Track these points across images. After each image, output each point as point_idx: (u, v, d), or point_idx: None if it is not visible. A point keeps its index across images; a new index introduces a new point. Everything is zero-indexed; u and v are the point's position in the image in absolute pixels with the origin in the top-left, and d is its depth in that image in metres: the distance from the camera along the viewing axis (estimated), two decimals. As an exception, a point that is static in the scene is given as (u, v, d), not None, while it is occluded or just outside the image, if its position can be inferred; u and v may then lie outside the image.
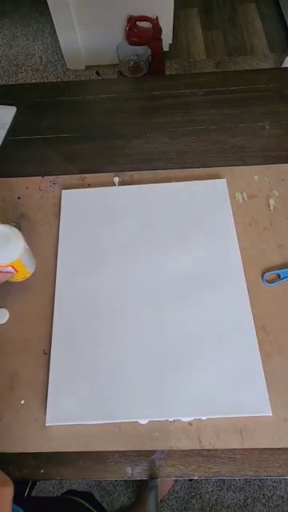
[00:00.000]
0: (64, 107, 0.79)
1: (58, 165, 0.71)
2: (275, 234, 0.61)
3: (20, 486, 0.61)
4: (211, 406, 0.49)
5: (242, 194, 0.65)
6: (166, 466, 0.48)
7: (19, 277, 0.55)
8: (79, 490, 0.72)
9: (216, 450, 0.48)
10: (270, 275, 0.58)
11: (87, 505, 0.61)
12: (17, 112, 0.78)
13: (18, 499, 0.42)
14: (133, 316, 0.55)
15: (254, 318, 0.54)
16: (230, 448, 0.48)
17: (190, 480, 1.05)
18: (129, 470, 0.48)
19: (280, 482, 1.04)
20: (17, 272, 0.53)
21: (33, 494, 0.63)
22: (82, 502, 0.62)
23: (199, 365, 0.52)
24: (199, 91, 0.79)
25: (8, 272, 0.52)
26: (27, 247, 0.53)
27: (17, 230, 0.51)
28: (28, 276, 0.56)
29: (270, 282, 0.58)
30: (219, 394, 0.50)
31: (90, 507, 0.61)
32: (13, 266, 0.51)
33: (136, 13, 1.51)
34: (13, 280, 0.56)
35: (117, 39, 1.60)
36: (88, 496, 0.65)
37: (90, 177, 0.69)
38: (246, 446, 0.48)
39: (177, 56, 1.80)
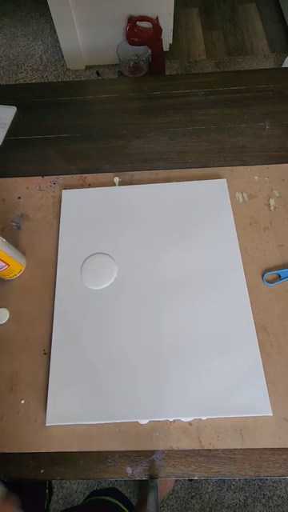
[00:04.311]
0: (64, 107, 0.79)
1: (58, 165, 0.71)
2: (275, 234, 0.61)
3: (38, 500, 0.63)
4: (211, 406, 0.49)
5: (242, 194, 0.65)
6: (166, 466, 0.48)
7: (15, 271, 0.58)
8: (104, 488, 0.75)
9: (216, 450, 0.48)
10: (270, 275, 0.58)
11: (115, 500, 0.63)
12: (17, 112, 0.78)
13: None
14: (133, 316, 0.55)
15: (254, 318, 0.54)
16: (231, 448, 0.48)
17: (190, 480, 1.05)
18: (129, 470, 0.48)
19: (280, 482, 1.04)
20: (8, 266, 0.55)
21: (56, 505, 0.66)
22: (109, 498, 0.64)
23: (199, 365, 0.52)
24: (199, 91, 0.79)
25: None
26: (3, 239, 0.54)
27: None
28: (23, 270, 0.60)
29: (271, 282, 0.58)
30: (219, 394, 0.50)
31: (117, 502, 0.63)
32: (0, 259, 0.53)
33: (136, 13, 1.51)
34: (9, 277, 0.58)
35: (117, 39, 1.60)
36: (114, 492, 0.68)
37: (90, 177, 0.69)
38: (247, 446, 0.48)
39: (177, 56, 1.80)
